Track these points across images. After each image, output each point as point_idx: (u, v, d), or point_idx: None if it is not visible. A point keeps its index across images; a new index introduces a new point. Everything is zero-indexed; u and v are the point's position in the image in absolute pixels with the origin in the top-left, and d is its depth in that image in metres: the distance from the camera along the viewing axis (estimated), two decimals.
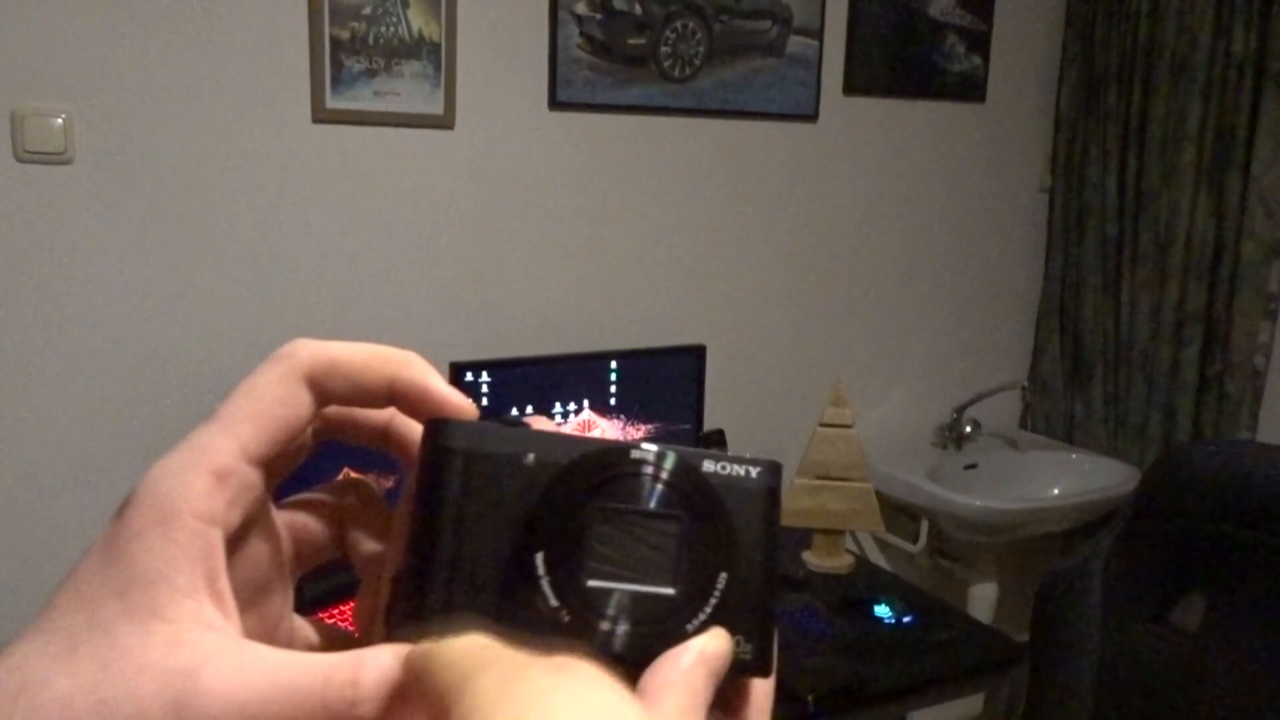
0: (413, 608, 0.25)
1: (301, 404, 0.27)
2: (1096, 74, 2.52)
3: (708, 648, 0.25)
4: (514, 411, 1.91)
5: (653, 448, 0.26)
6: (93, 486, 1.76)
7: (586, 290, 2.15)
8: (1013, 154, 2.64)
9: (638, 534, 0.25)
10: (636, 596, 0.25)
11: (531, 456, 0.26)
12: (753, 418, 2.33)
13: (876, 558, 2.50)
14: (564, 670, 0.20)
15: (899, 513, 2.37)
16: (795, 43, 2.24)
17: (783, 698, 1.55)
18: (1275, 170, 2.29)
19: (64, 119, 1.66)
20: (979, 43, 2.50)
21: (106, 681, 0.23)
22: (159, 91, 1.73)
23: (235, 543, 0.26)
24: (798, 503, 1.96)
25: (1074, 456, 2.55)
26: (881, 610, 1.82)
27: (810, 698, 1.54)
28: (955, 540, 2.40)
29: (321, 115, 1.83)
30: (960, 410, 2.54)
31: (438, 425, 0.27)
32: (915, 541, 2.41)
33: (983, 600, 2.38)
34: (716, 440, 2.16)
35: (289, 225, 1.86)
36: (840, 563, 2.00)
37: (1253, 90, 2.30)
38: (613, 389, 2.00)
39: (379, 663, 0.24)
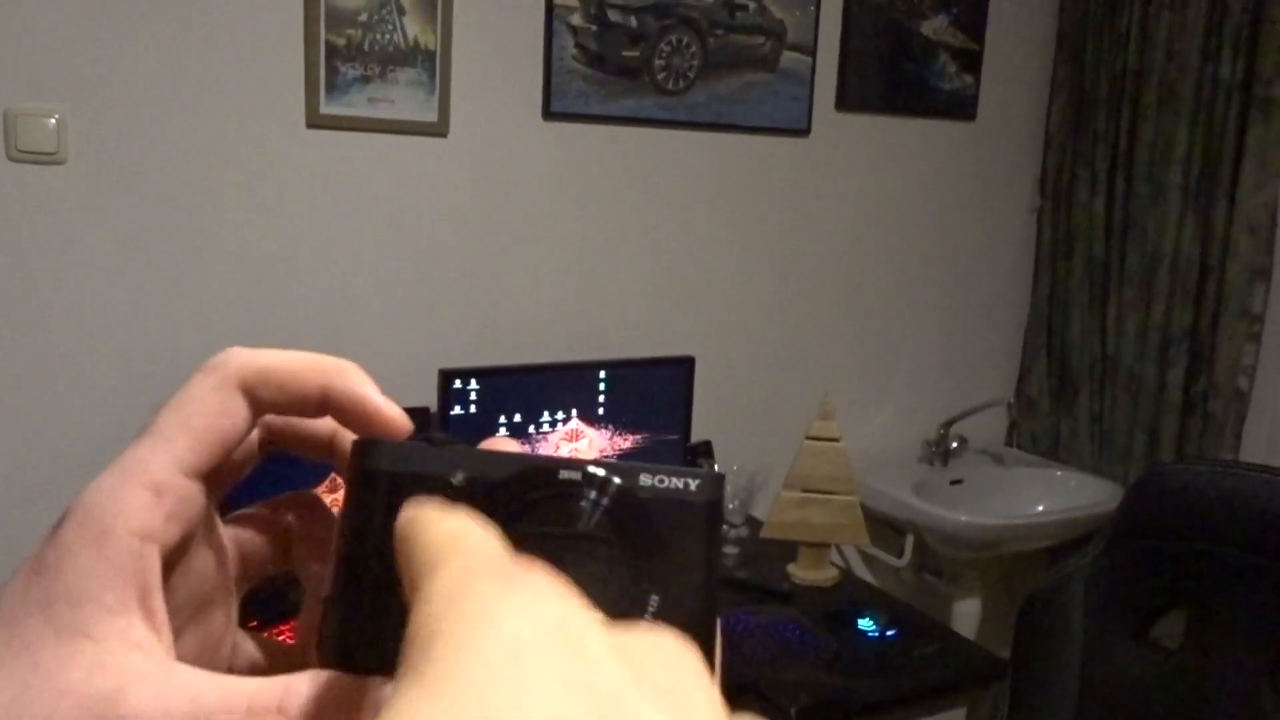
0: (340, 636, 0.25)
1: (237, 413, 0.26)
2: (1086, 96, 2.54)
3: None
4: (501, 419, 1.92)
5: (585, 467, 0.25)
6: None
7: (577, 299, 2.16)
8: (1002, 173, 2.66)
9: (565, 558, 0.24)
10: None
11: (460, 476, 0.25)
12: (741, 429, 2.34)
13: (861, 571, 2.51)
14: (515, 580, 0.20)
15: (884, 527, 2.38)
16: (788, 58, 2.26)
17: (765, 710, 1.55)
18: (1261, 194, 2.31)
19: (57, 119, 1.66)
20: (971, 62, 2.52)
21: (23, 702, 0.22)
22: (154, 93, 1.73)
23: (175, 558, 0.25)
24: (783, 515, 1.96)
25: (1059, 474, 2.56)
26: (865, 624, 1.83)
27: (792, 710, 1.54)
28: (940, 555, 2.40)
29: (316, 121, 1.84)
30: (947, 426, 2.55)
31: (363, 446, 0.26)
32: (900, 556, 2.42)
33: (966, 615, 2.39)
34: (704, 451, 2.16)
35: (281, 229, 1.86)
36: (825, 576, 2.00)
37: (1239, 115, 2.33)
38: (601, 399, 2.01)
39: (306, 691, 0.23)
